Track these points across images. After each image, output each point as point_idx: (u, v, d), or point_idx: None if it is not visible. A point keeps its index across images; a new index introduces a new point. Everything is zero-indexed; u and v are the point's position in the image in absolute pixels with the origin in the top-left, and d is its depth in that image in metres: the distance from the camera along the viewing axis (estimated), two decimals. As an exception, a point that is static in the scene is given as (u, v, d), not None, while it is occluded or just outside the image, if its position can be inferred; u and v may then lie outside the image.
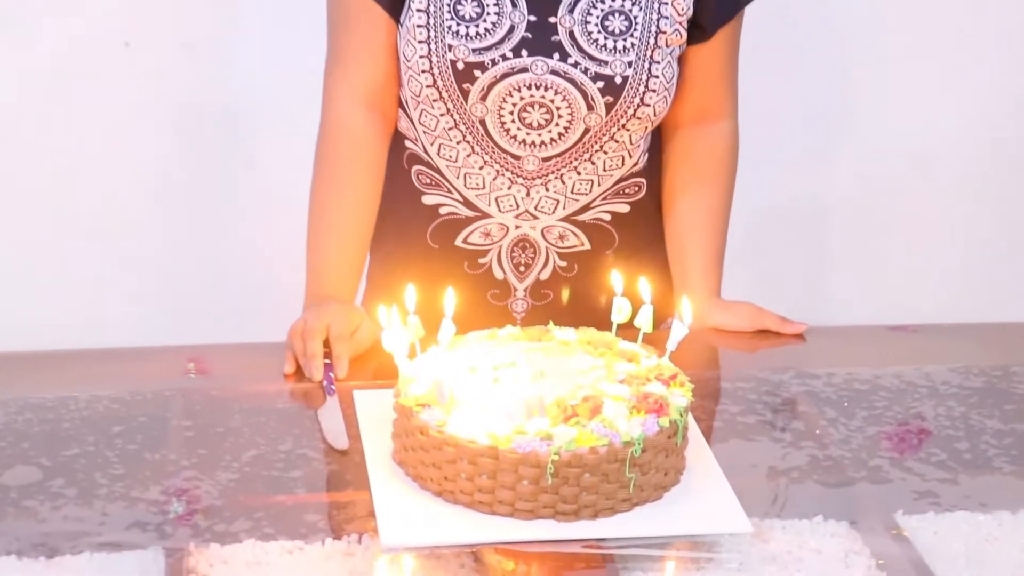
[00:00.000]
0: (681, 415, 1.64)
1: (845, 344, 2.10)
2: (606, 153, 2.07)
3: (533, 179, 2.07)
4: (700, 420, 1.78)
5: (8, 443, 1.73)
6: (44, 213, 2.77)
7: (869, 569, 1.56)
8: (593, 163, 2.07)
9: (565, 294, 2.12)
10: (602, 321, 1.81)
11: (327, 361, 1.88)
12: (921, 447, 1.80)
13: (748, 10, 2.09)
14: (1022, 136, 3.04)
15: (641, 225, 2.16)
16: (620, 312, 1.78)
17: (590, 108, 2.02)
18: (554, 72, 2.00)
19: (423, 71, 2.00)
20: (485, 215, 2.09)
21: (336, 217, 2.07)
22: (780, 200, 2.94)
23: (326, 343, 1.90)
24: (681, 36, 2.04)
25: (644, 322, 1.76)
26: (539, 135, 2.03)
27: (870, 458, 1.77)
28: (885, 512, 1.65)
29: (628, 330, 1.78)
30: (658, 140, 2.17)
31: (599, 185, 2.09)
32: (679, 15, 2.02)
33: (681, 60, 2.07)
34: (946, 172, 3.06)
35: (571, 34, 2.00)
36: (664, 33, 2.02)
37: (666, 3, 2.01)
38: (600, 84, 2.01)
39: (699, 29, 2.06)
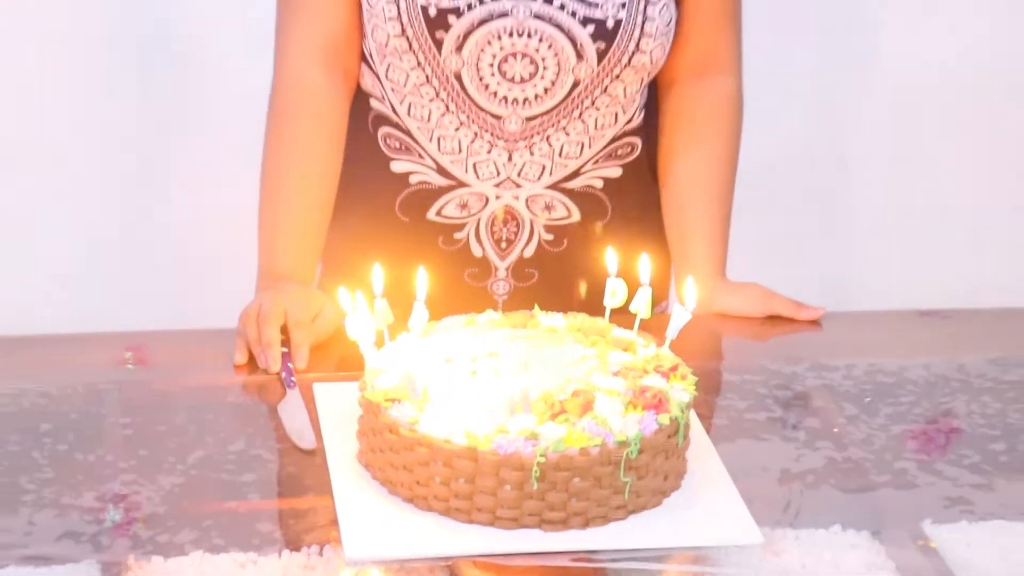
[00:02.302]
0: (682, 412, 1.64)
1: (867, 331, 2.11)
2: (598, 109, 2.08)
3: (516, 141, 2.08)
4: (703, 417, 1.79)
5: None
6: None
7: (893, 586, 1.59)
8: (583, 121, 2.08)
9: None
10: (594, 305, 1.81)
11: (285, 350, 1.89)
12: (951, 448, 1.81)
13: None
14: None
15: (635, 192, 2.18)
16: (614, 295, 1.78)
17: (579, 57, 2.03)
18: (538, 16, 2.01)
19: (390, 18, 2.01)
20: (461, 183, 2.10)
21: (291, 187, 2.07)
22: (789, 160, 2.95)
23: (283, 330, 1.91)
24: None
25: (641, 306, 1.76)
26: (522, 90, 2.04)
27: (895, 460, 1.78)
28: (912, 521, 1.66)
29: (623, 315, 1.78)
30: (653, 95, 2.18)
31: (590, 147, 2.11)
32: None
33: (679, 2, 2.08)
34: (990, 124, 3.08)
35: None
36: None
37: None
38: (590, 28, 2.01)
39: None
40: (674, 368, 1.71)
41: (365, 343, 1.70)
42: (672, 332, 1.75)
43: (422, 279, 1.75)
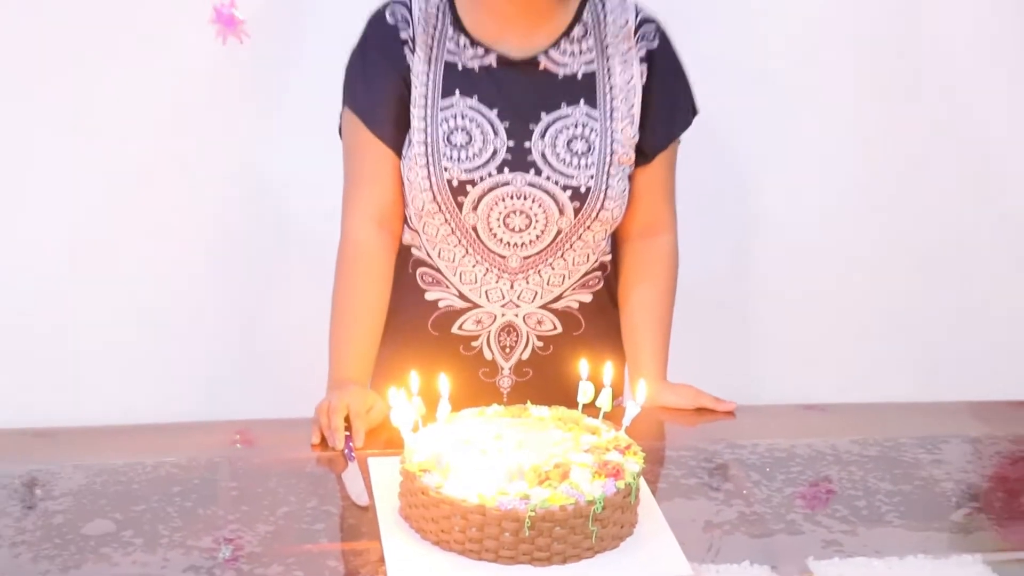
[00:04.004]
0: (634, 478, 1.64)
1: (767, 420, 2.09)
2: (575, 251, 2.07)
3: (516, 274, 2.06)
4: (650, 482, 1.78)
5: (88, 500, 1.72)
6: (117, 308, 2.74)
7: (787, 605, 1.57)
8: (564, 260, 2.07)
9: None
10: (573, 393, 1.80)
11: (347, 433, 1.88)
12: (828, 504, 1.80)
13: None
14: (915, 233, 2.97)
15: (600, 312, 2.15)
16: (585, 395, 1.78)
17: (561, 213, 2.02)
18: (531, 184, 2.01)
19: (425, 189, 2.00)
20: (476, 305, 2.08)
21: (352, 318, 2.05)
22: (711, 299, 2.93)
23: (346, 419, 1.89)
24: (630, 157, 2.05)
25: (604, 402, 1.76)
26: (520, 237, 2.03)
27: (787, 513, 1.76)
28: (799, 558, 1.64)
29: (591, 408, 1.78)
30: (613, 247, 2.17)
31: (569, 279, 2.09)
32: (628, 140, 2.03)
33: (630, 178, 2.07)
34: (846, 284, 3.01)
35: (543, 154, 2.00)
36: (616, 154, 2.02)
37: (617, 131, 2.02)
38: (568, 192, 2.01)
39: (642, 154, 2.07)
40: (628, 447, 1.71)
41: (405, 429, 1.70)
42: (627, 421, 1.75)
43: (445, 383, 1.74)
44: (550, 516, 1.55)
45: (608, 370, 1.78)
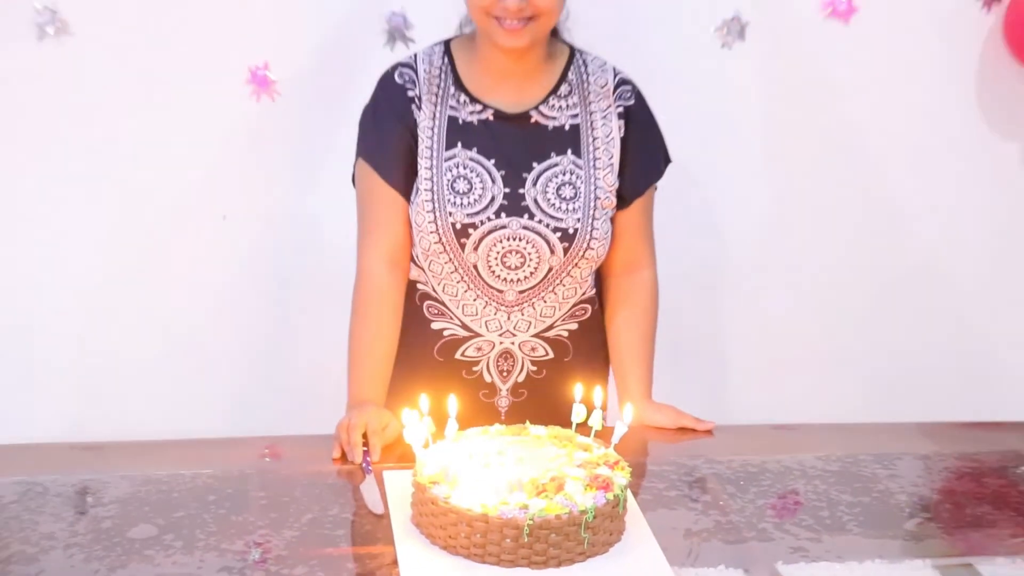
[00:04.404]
0: (622, 491, 1.64)
1: (741, 438, 2.08)
2: (564, 286, 2.06)
3: (512, 307, 2.06)
4: (636, 494, 1.78)
5: (133, 507, 1.73)
6: (163, 338, 2.74)
7: (757, 604, 1.57)
8: (555, 294, 2.06)
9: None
10: (564, 411, 1.79)
11: (365, 449, 1.88)
12: (796, 514, 1.80)
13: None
14: (864, 270, 2.95)
15: (587, 339, 2.14)
16: (578, 416, 1.78)
17: (552, 252, 2.01)
18: (525, 227, 2.00)
19: (431, 231, 2.00)
20: (477, 334, 2.08)
21: (368, 346, 2.04)
22: (688, 329, 2.87)
23: (364, 436, 1.89)
24: (612, 202, 2.04)
25: (596, 423, 1.76)
26: (516, 274, 2.03)
27: (759, 522, 1.76)
28: (769, 562, 1.65)
29: (584, 428, 1.78)
30: (598, 282, 2.16)
31: (559, 311, 2.09)
32: (609, 187, 2.03)
33: (612, 220, 2.07)
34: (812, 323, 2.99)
35: (535, 200, 2.00)
36: (600, 199, 2.02)
37: (600, 178, 2.02)
38: (558, 234, 2.01)
39: (622, 199, 2.07)
40: (616, 462, 1.71)
41: (417, 445, 1.70)
42: (615, 439, 1.75)
43: (453, 404, 1.74)
44: (546, 524, 1.56)
45: (599, 393, 1.79)
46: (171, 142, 2.61)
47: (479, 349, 2.09)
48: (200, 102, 2.59)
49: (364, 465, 1.85)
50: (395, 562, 1.59)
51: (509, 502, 1.59)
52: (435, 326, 2.09)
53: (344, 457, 1.89)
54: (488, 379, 2.11)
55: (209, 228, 2.67)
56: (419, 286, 2.09)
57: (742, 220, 2.86)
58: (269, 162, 2.68)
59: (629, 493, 1.70)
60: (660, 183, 2.14)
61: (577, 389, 1.80)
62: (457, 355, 2.09)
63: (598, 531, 1.61)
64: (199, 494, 1.78)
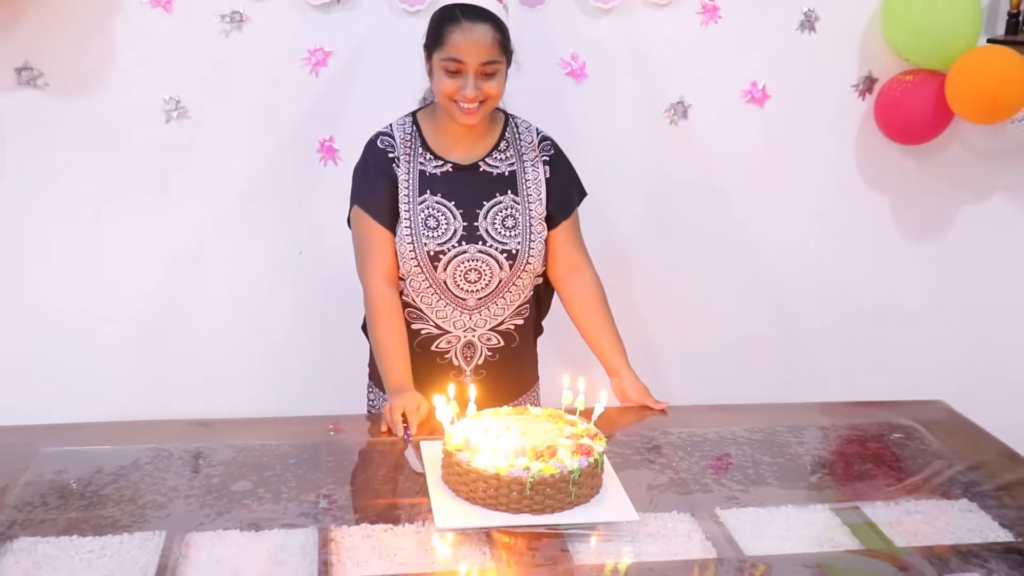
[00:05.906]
0: (600, 456, 1.64)
1: (688, 415, 2.02)
2: (511, 292, 2.02)
3: (473, 310, 2.01)
4: (610, 458, 1.76)
5: (235, 467, 1.74)
6: (248, 332, 2.63)
7: (701, 541, 1.57)
8: (504, 299, 2.02)
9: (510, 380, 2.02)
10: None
11: (406, 425, 1.86)
12: (728, 472, 1.79)
13: None
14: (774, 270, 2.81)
15: (528, 330, 2.10)
16: (567, 400, 1.77)
17: (501, 268, 1.98)
18: (480, 251, 1.96)
19: (411, 258, 1.96)
20: (447, 331, 2.02)
21: (391, 345, 1.98)
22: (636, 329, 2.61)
23: (404, 415, 1.87)
24: (544, 227, 2.01)
25: (579, 405, 1.76)
26: (475, 286, 1.98)
27: (701, 478, 1.76)
28: (710, 508, 1.65)
29: (571, 409, 1.78)
30: (548, 287, 2.12)
31: (508, 310, 2.04)
32: (540, 216, 2.00)
33: (546, 241, 2.02)
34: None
35: (486, 230, 1.97)
36: (533, 226, 1.99)
37: (533, 211, 1.99)
38: (505, 255, 1.97)
39: (553, 222, 2.03)
40: (596, 434, 1.71)
41: (445, 422, 1.70)
42: (594, 418, 1.75)
43: (473, 393, 1.72)
44: (544, 481, 1.56)
45: (581, 383, 1.78)
46: (217, 196, 2.54)
47: (448, 342, 2.04)
48: (262, 167, 2.52)
49: (405, 437, 1.84)
50: (430, 509, 1.59)
51: (515, 464, 1.59)
52: (414, 327, 2.04)
53: (389, 431, 1.87)
54: (456, 364, 2.05)
55: (287, 251, 2.57)
56: (402, 297, 2.05)
57: (651, 246, 2.76)
58: (309, 190, 2.56)
59: (605, 457, 1.70)
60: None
61: (565, 382, 1.79)
62: (432, 347, 2.04)
63: (582, 486, 1.61)
64: (283, 458, 1.78)
